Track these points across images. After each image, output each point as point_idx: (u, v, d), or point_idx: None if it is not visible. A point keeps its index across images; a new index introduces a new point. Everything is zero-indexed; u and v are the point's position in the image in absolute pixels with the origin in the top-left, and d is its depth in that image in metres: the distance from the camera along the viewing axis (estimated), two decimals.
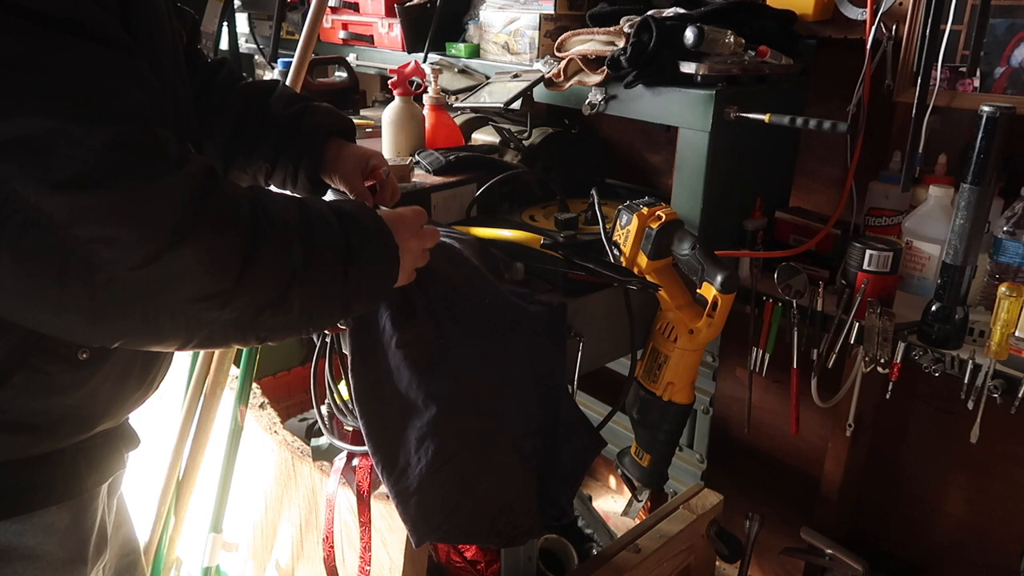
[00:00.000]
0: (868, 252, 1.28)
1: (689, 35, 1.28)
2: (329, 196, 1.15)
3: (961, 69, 1.31)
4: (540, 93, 1.51)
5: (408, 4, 1.84)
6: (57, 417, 0.82)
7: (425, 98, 1.56)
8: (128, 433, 0.96)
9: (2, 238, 0.62)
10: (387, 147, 1.53)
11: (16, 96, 0.61)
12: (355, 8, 2.01)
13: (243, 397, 1.58)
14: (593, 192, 1.34)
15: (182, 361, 1.62)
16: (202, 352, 1.56)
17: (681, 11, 1.38)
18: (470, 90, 1.63)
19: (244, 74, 1.21)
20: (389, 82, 1.53)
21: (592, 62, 1.43)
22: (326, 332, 1.13)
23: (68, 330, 0.70)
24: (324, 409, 1.21)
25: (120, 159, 0.63)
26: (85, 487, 0.89)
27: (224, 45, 2.18)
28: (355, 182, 1.10)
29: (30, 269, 0.64)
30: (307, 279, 0.76)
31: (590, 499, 2.07)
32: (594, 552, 1.78)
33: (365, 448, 1.06)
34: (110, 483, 0.96)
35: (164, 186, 0.65)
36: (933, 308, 1.21)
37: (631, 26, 1.34)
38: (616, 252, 1.26)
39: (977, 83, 1.31)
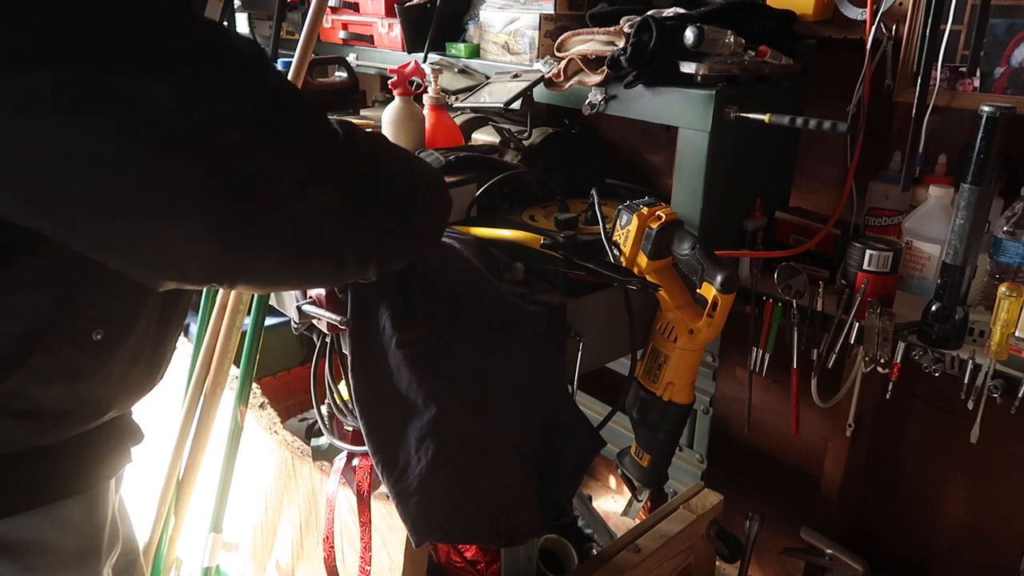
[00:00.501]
0: (868, 252, 1.28)
1: (689, 35, 1.28)
2: None
3: (961, 69, 1.31)
4: (540, 93, 1.51)
5: (408, 4, 1.84)
6: (72, 403, 0.82)
7: (425, 98, 1.56)
8: (132, 426, 0.97)
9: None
10: None
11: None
12: (355, 8, 2.01)
13: (243, 397, 1.58)
14: (593, 192, 1.34)
15: (182, 361, 1.62)
16: (202, 351, 1.56)
17: (681, 11, 1.38)
18: (470, 90, 1.63)
19: None
20: (389, 82, 1.53)
21: (592, 62, 1.43)
22: (325, 332, 1.13)
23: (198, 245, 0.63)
24: (324, 409, 1.21)
25: (199, 38, 0.63)
26: (97, 479, 0.89)
27: None
28: None
29: (160, 180, 0.59)
30: (428, 193, 0.80)
31: (590, 499, 2.07)
32: (594, 552, 1.78)
33: (365, 448, 1.06)
34: (117, 477, 0.97)
35: (247, 60, 0.65)
36: (933, 308, 1.21)
37: (631, 26, 1.34)
38: (616, 252, 1.26)
39: (977, 83, 1.31)
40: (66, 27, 0.55)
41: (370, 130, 0.78)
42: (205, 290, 1.62)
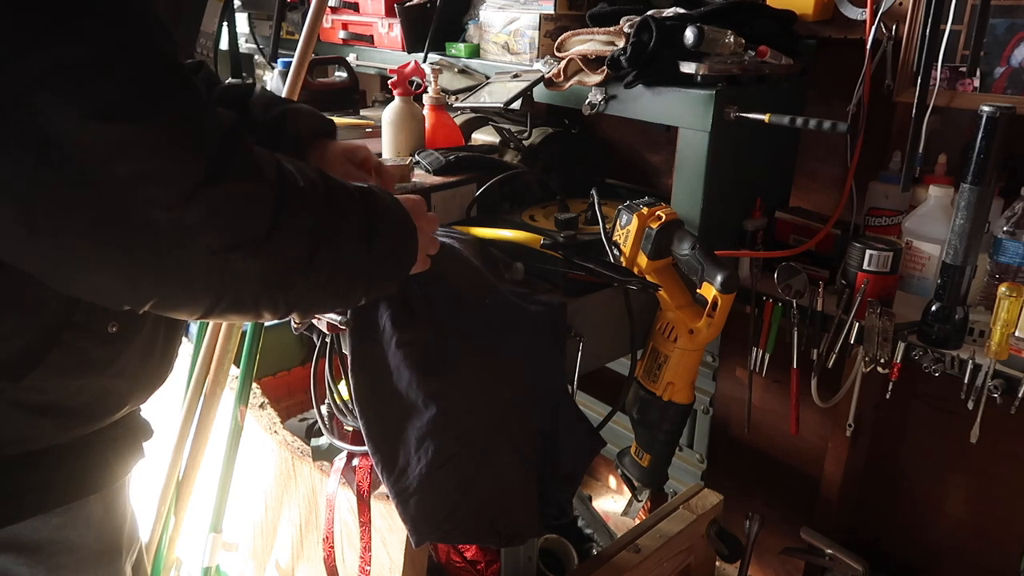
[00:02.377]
0: (868, 252, 1.28)
1: (689, 35, 1.28)
2: None
3: (961, 69, 1.31)
4: (540, 93, 1.51)
5: (408, 4, 1.84)
6: (92, 397, 0.82)
7: (425, 98, 1.56)
8: (143, 422, 0.98)
9: (37, 184, 0.59)
10: (387, 147, 1.53)
11: (59, 24, 0.58)
12: (355, 8, 2.01)
13: (243, 397, 1.58)
14: (593, 192, 1.34)
15: (182, 361, 1.62)
16: (202, 351, 1.56)
17: (681, 11, 1.38)
18: (470, 90, 1.63)
19: (241, 76, 1.21)
20: (389, 82, 1.53)
21: (592, 62, 1.43)
22: (325, 332, 1.13)
23: (100, 289, 0.68)
24: (324, 409, 1.21)
25: (162, 90, 0.62)
26: (116, 476, 0.90)
27: (224, 45, 2.17)
28: (346, 177, 1.11)
29: (64, 220, 0.61)
30: (334, 241, 0.75)
31: (590, 499, 2.07)
32: (594, 552, 1.78)
33: (365, 448, 1.06)
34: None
35: (200, 121, 0.65)
36: (933, 308, 1.21)
37: (631, 26, 1.34)
38: (616, 252, 1.26)
39: (977, 83, 1.31)
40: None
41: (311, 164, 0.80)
42: None
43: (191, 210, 0.63)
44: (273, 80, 1.83)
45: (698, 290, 1.21)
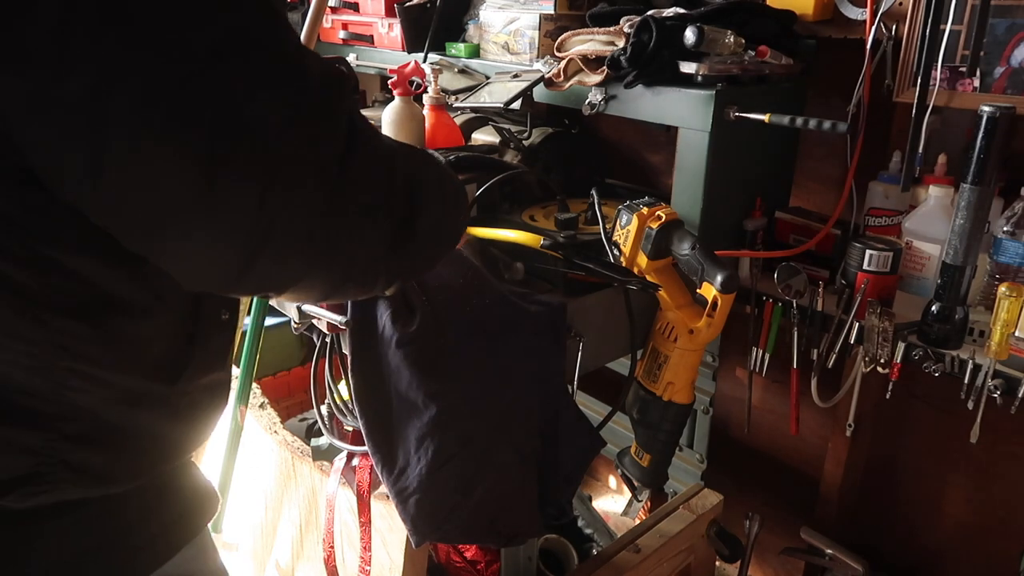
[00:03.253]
0: (868, 252, 1.28)
1: (689, 35, 1.28)
2: None
3: (961, 69, 1.31)
4: (540, 93, 1.51)
5: (408, 4, 1.84)
6: (216, 393, 0.81)
7: (425, 98, 1.56)
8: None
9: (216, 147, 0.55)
10: None
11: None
12: (355, 8, 2.01)
13: (243, 397, 1.58)
14: (593, 192, 1.34)
15: None
16: None
17: (681, 11, 1.38)
18: (470, 90, 1.63)
19: None
20: (389, 82, 1.53)
21: (592, 62, 1.43)
22: (325, 332, 1.13)
23: (279, 268, 0.62)
24: (324, 409, 1.21)
25: (308, 53, 0.62)
26: (216, 499, 0.88)
27: None
28: None
29: (239, 191, 0.57)
30: (436, 202, 0.74)
31: (590, 499, 2.07)
32: (594, 552, 1.78)
33: (365, 448, 1.06)
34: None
35: (332, 88, 0.63)
36: (933, 308, 1.21)
37: (631, 26, 1.34)
38: (616, 252, 1.26)
39: (977, 83, 1.31)
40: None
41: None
42: None
43: (341, 176, 0.61)
44: None
45: (698, 290, 1.21)
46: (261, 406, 1.66)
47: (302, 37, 1.45)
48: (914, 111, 1.30)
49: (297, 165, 0.58)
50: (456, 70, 1.72)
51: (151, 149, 0.54)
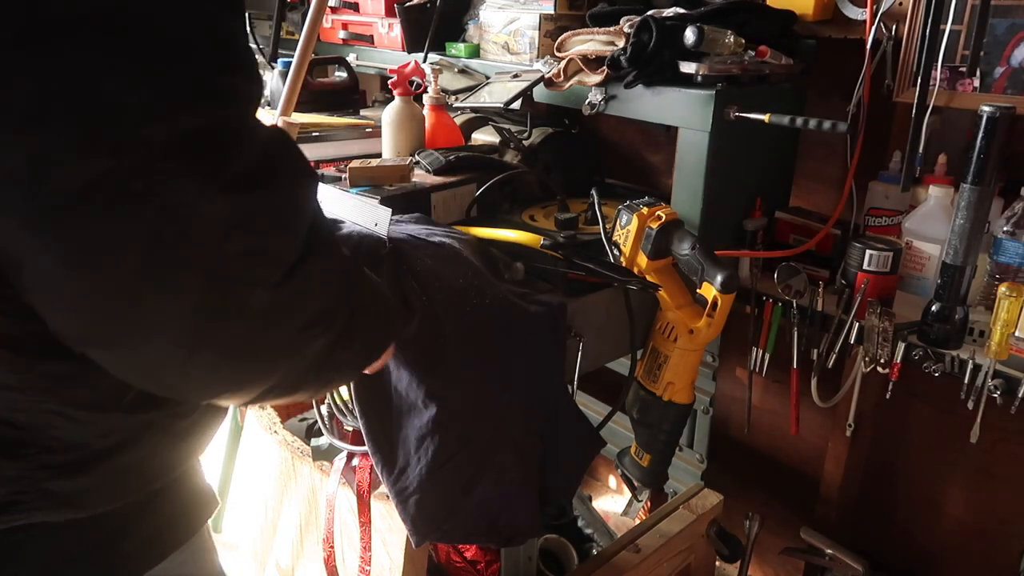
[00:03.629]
0: (868, 252, 1.28)
1: (689, 35, 1.28)
2: None
3: (961, 69, 1.31)
4: (540, 93, 1.51)
5: (408, 4, 1.84)
6: (209, 409, 0.79)
7: (425, 98, 1.56)
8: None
9: (148, 265, 0.52)
10: (387, 147, 1.53)
11: (197, 87, 0.52)
12: (355, 8, 2.01)
13: None
14: (593, 192, 1.34)
15: None
16: None
17: (681, 11, 1.38)
18: (470, 90, 1.63)
19: None
20: (389, 82, 1.53)
21: (592, 62, 1.43)
22: None
23: (179, 383, 0.60)
24: (324, 409, 1.21)
25: (280, 156, 0.58)
26: (214, 499, 0.88)
27: None
28: None
29: (166, 309, 0.53)
30: (368, 308, 0.73)
31: (590, 499, 2.07)
32: (594, 552, 1.78)
33: (365, 448, 1.06)
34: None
35: (303, 190, 0.61)
36: (933, 308, 1.21)
37: (631, 26, 1.34)
38: (616, 252, 1.26)
39: (977, 83, 1.31)
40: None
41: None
42: None
43: (290, 287, 0.58)
44: (273, 80, 1.83)
45: (698, 290, 1.21)
46: (261, 406, 1.66)
47: (302, 37, 1.45)
48: (914, 111, 1.30)
49: (236, 283, 0.56)
50: (456, 70, 1.72)
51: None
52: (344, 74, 2.01)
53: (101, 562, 0.73)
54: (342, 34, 2.06)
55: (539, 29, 1.60)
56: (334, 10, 2.05)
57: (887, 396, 1.30)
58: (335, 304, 0.65)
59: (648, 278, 1.22)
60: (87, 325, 0.54)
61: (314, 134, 1.58)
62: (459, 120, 1.70)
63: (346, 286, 0.67)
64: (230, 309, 0.56)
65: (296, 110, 1.49)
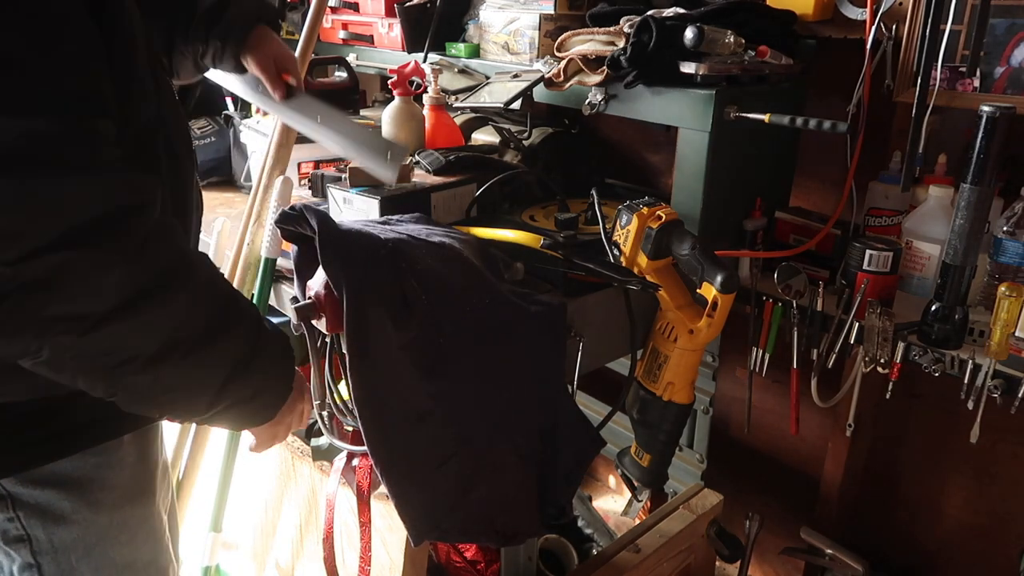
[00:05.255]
0: (868, 252, 1.28)
1: (689, 35, 1.28)
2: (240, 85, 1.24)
3: (961, 69, 1.31)
4: (540, 93, 1.51)
5: (408, 4, 1.84)
6: None
7: (425, 98, 1.56)
8: None
9: None
10: None
11: None
12: (355, 8, 2.01)
13: None
14: (593, 192, 1.34)
15: None
16: None
17: (681, 11, 1.38)
18: (470, 90, 1.63)
19: None
20: (389, 82, 1.53)
21: (592, 62, 1.43)
22: (325, 332, 1.13)
23: None
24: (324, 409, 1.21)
25: (32, 150, 0.62)
26: (150, 419, 0.95)
27: None
28: (269, 71, 1.18)
29: None
30: (192, 355, 0.74)
31: (590, 499, 2.07)
32: (594, 552, 1.78)
33: (365, 448, 1.06)
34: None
35: (77, 185, 0.64)
36: (933, 308, 1.21)
37: (631, 26, 1.34)
38: (616, 252, 1.26)
39: (977, 83, 1.31)
40: None
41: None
42: None
43: (28, 269, 0.62)
44: None
45: (698, 290, 1.21)
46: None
47: (302, 37, 1.45)
48: (914, 111, 1.30)
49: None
50: (456, 70, 1.72)
51: None
52: (344, 74, 2.00)
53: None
54: (342, 34, 2.06)
55: (539, 29, 1.60)
56: (334, 10, 2.05)
57: (887, 396, 1.30)
58: (96, 309, 0.67)
59: (648, 278, 1.22)
60: None
61: None
62: (459, 120, 1.70)
63: (136, 306, 0.69)
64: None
65: None
